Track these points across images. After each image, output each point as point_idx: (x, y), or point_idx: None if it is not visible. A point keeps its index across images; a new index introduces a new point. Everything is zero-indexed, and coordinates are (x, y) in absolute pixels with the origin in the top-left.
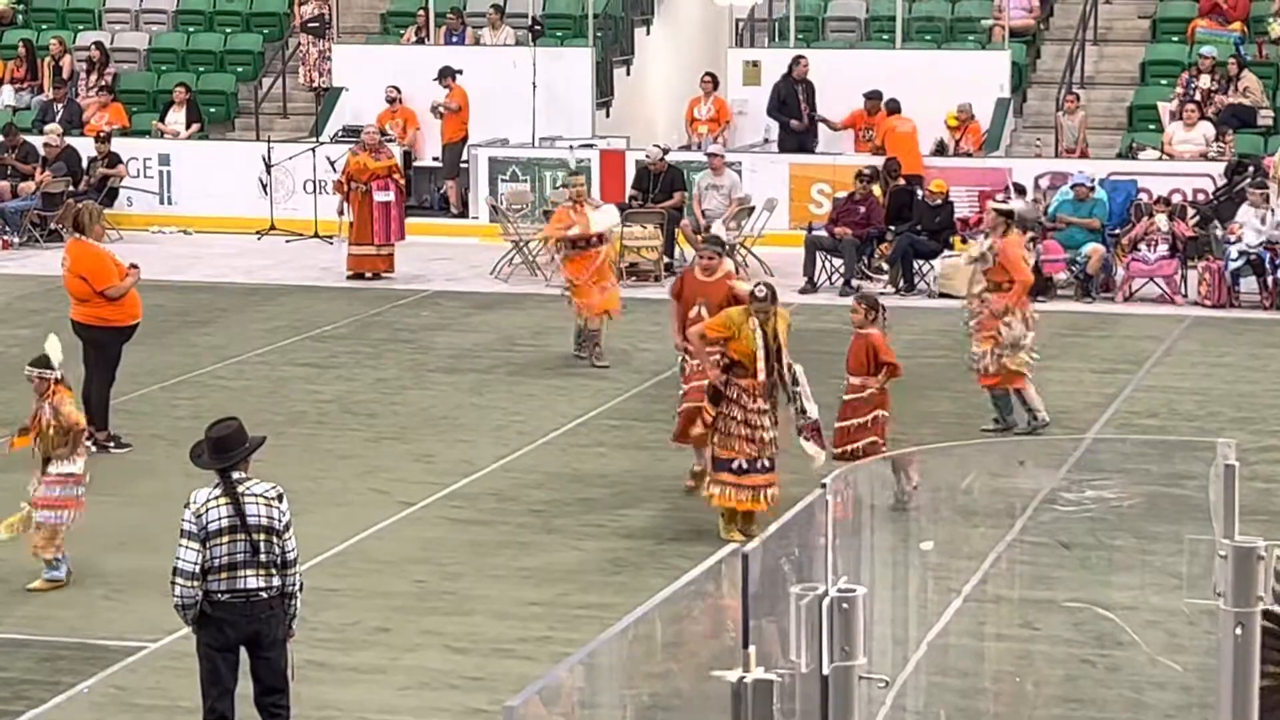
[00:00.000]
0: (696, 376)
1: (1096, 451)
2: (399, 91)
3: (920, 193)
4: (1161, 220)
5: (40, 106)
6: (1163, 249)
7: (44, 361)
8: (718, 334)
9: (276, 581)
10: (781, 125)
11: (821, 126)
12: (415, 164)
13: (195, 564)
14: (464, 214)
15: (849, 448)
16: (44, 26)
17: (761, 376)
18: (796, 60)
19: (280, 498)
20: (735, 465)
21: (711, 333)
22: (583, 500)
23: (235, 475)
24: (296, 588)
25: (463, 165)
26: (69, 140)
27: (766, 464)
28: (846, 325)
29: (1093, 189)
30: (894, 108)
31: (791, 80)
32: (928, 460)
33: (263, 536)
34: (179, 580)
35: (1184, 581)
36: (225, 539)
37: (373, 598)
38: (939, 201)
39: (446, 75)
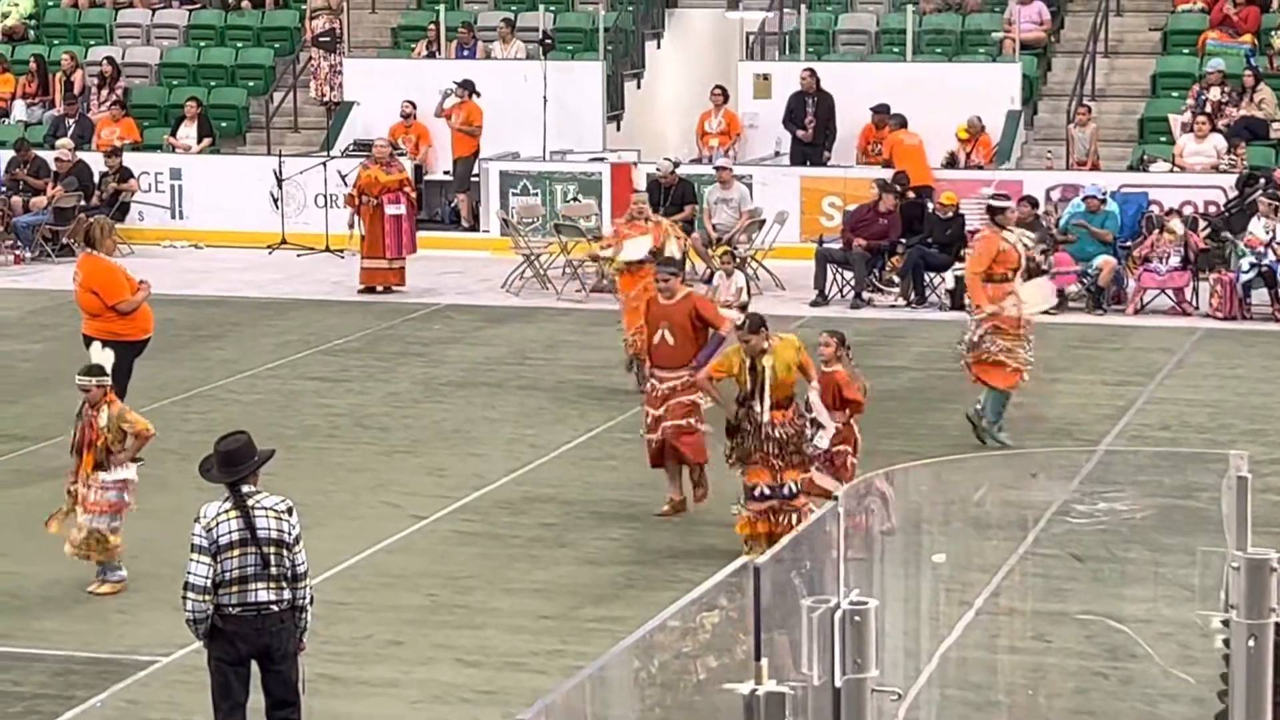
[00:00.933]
0: (658, 402)
1: (1108, 464)
2: (414, 107)
3: (931, 205)
4: (1177, 224)
5: (52, 121)
6: (1174, 260)
7: (99, 370)
8: (720, 374)
9: (287, 595)
10: (792, 136)
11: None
12: (426, 178)
13: (206, 578)
14: (475, 228)
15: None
16: (56, 42)
17: (763, 415)
18: (807, 71)
19: (290, 511)
20: (757, 491)
21: (715, 373)
22: (594, 514)
23: (245, 489)
24: (307, 601)
25: (474, 179)
26: (81, 155)
27: (792, 490)
28: (860, 337)
29: (1104, 201)
30: (900, 122)
31: (801, 92)
32: (940, 473)
33: (273, 550)
34: (190, 594)
35: (1196, 594)
36: (236, 552)
37: (384, 611)
38: (950, 214)
39: (465, 88)
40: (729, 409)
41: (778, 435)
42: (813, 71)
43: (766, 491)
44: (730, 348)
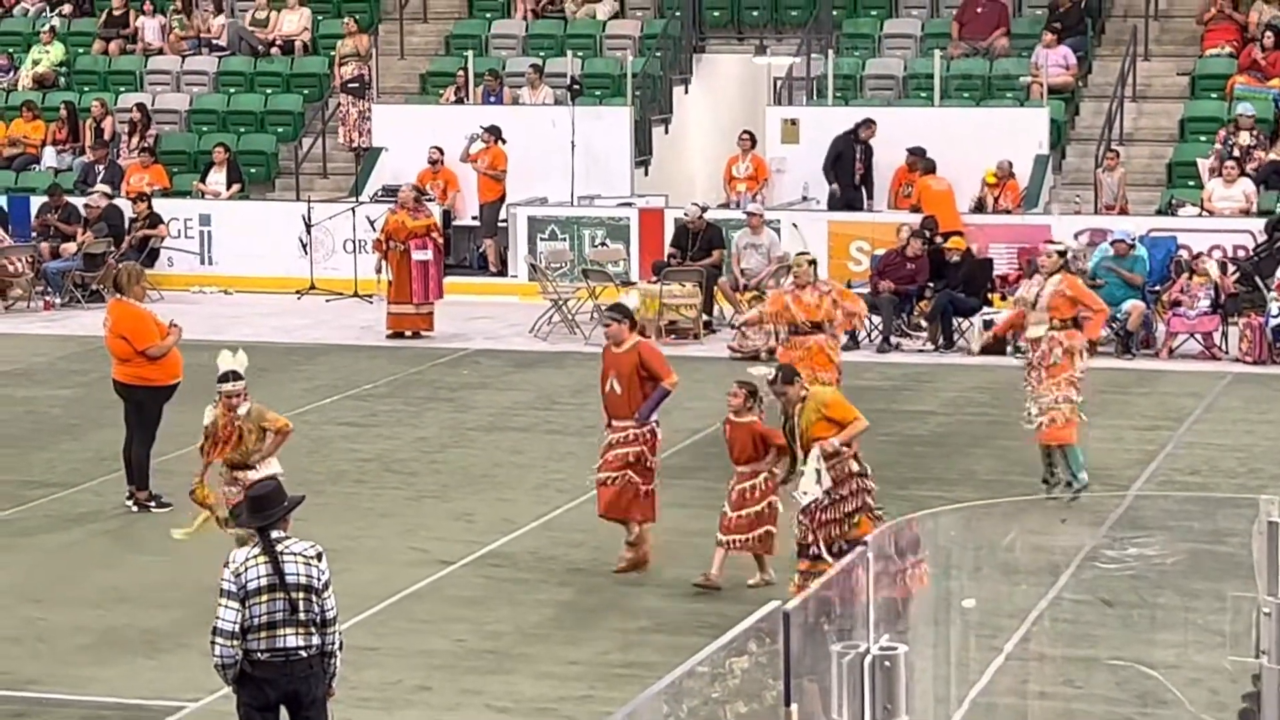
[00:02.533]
0: (616, 448)
1: (1138, 509)
2: (441, 153)
3: (960, 248)
4: (1212, 266)
5: (82, 168)
6: (1204, 304)
7: (235, 375)
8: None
9: (316, 640)
10: (832, 185)
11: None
12: (454, 223)
13: (235, 623)
14: (502, 273)
15: (742, 538)
16: (86, 88)
17: (800, 465)
18: (867, 122)
19: (319, 556)
20: (796, 551)
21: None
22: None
23: (274, 534)
24: (336, 646)
25: (501, 224)
26: (113, 201)
27: (816, 551)
28: (887, 381)
29: (1133, 246)
30: (929, 167)
31: (853, 139)
32: (970, 518)
33: (301, 595)
34: (219, 640)
35: (1227, 639)
36: (264, 598)
37: (413, 656)
38: (956, 259)
39: (491, 133)
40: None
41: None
42: (873, 122)
43: (796, 550)
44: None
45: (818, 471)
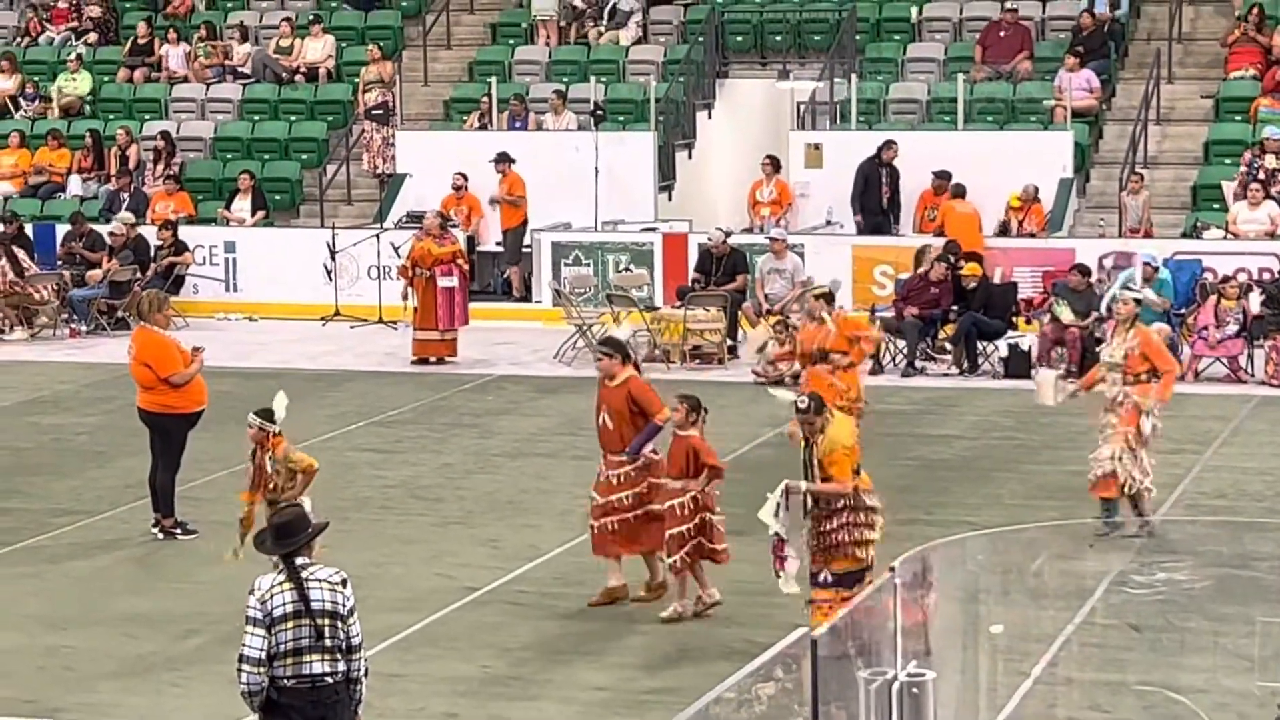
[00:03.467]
0: (604, 490)
1: (1165, 533)
2: (465, 179)
3: (986, 274)
4: (1255, 300)
5: (107, 196)
6: (1231, 328)
7: (268, 414)
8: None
9: (342, 667)
10: (859, 211)
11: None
12: (479, 249)
13: (261, 650)
14: (525, 298)
15: (677, 558)
16: (111, 117)
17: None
18: (887, 144)
19: (344, 583)
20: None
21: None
22: (648, 584)
23: (299, 561)
24: (362, 673)
25: (525, 250)
26: (138, 229)
27: (828, 579)
28: (912, 405)
29: (1157, 269)
30: (958, 192)
31: (877, 163)
32: (996, 543)
33: (327, 622)
34: (245, 667)
35: (1255, 664)
36: (290, 624)
37: (439, 683)
38: (973, 285)
39: (503, 160)
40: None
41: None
42: (893, 143)
43: (814, 574)
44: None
45: (777, 505)
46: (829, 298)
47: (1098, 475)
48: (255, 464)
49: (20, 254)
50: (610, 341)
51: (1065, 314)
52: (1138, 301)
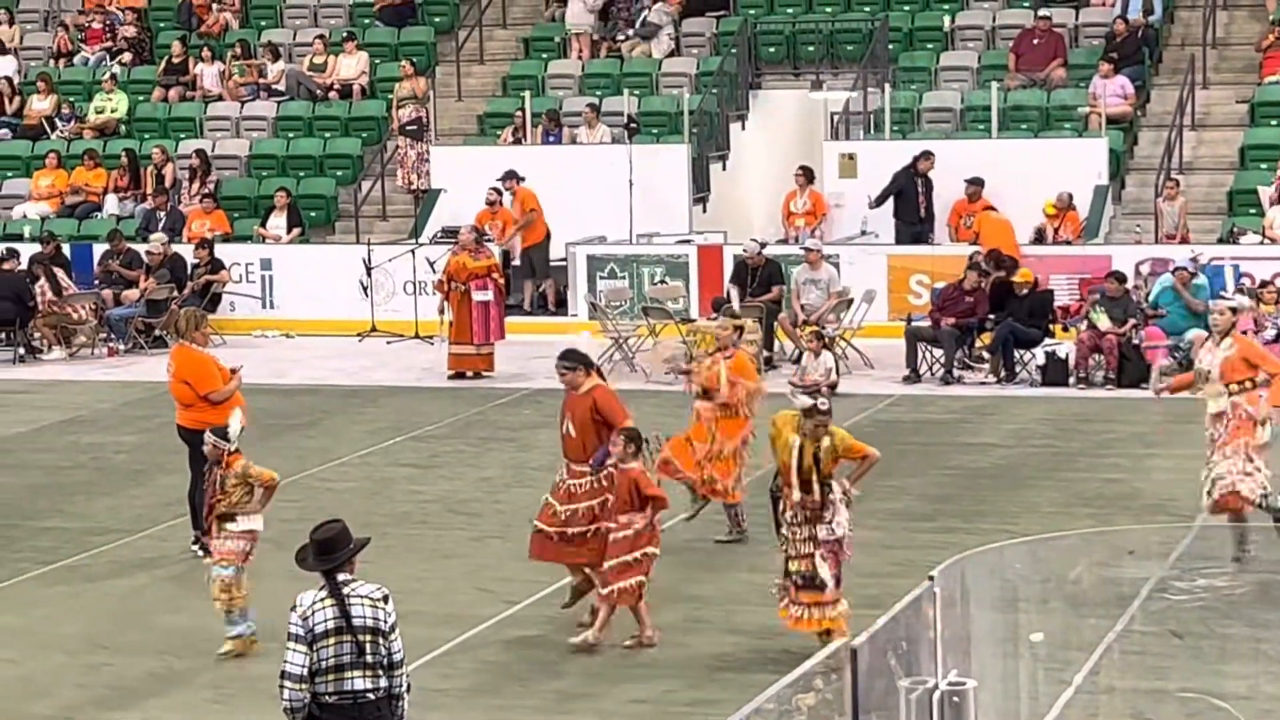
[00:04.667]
0: (564, 497)
1: (1206, 539)
2: (499, 194)
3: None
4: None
5: (143, 215)
6: (1269, 333)
7: (223, 432)
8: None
9: (384, 683)
10: (897, 217)
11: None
12: (514, 263)
13: (303, 667)
14: (561, 310)
15: (615, 588)
16: (146, 136)
17: (795, 495)
18: (925, 154)
19: (386, 599)
20: (788, 570)
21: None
22: (688, 596)
23: (340, 577)
24: (404, 689)
25: (553, 264)
26: (173, 247)
27: (815, 582)
28: (949, 414)
29: (1194, 274)
30: (989, 205)
31: (913, 173)
32: (1036, 551)
33: (368, 638)
34: (287, 683)
35: None
36: (332, 641)
37: (479, 697)
38: (1025, 291)
39: (510, 178)
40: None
41: (790, 518)
42: (930, 154)
43: (791, 571)
44: (787, 413)
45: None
46: (741, 330)
47: (1223, 492)
48: (209, 479)
49: (59, 274)
50: (571, 354)
51: (1103, 321)
52: (1234, 310)
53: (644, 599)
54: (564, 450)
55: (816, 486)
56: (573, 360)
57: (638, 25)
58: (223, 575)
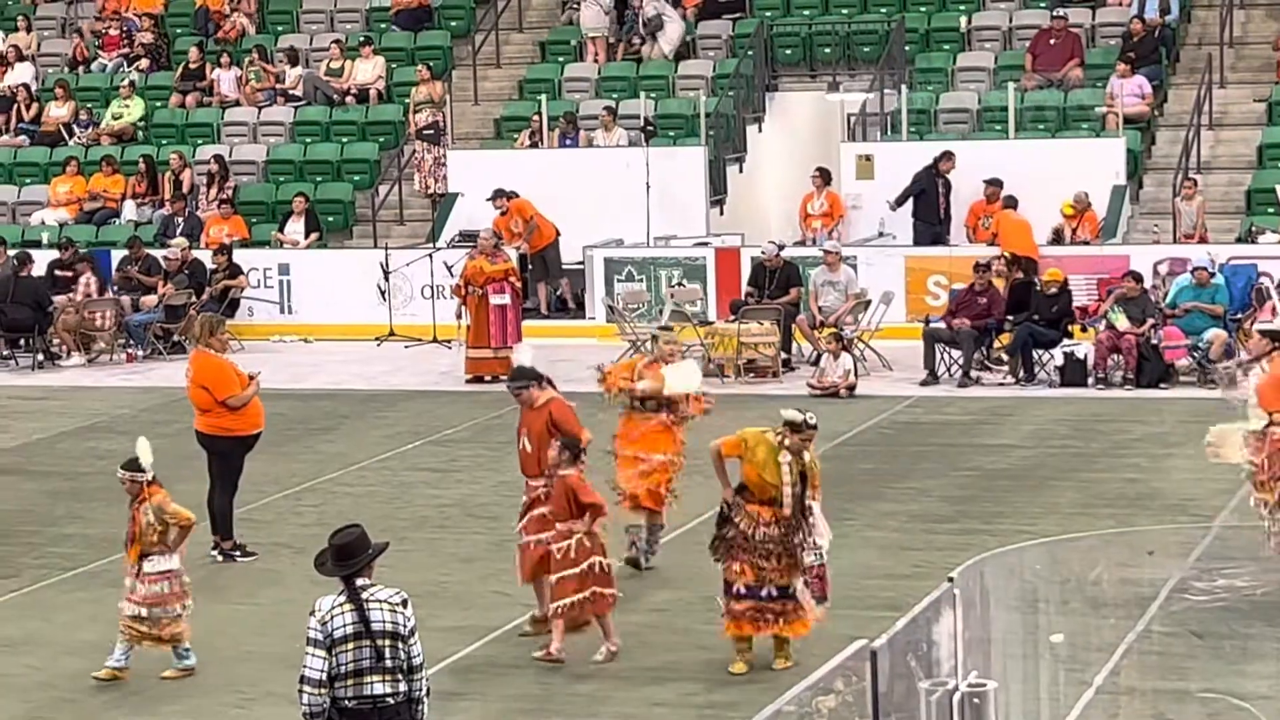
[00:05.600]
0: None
1: (1225, 539)
2: (506, 198)
3: (1037, 283)
4: None
5: (161, 220)
6: None
7: (134, 464)
8: (731, 451)
9: (403, 687)
10: (917, 218)
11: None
12: (530, 267)
13: (322, 672)
14: (564, 310)
15: (564, 603)
16: (164, 142)
17: (786, 509)
18: (946, 155)
19: (405, 603)
20: (736, 590)
21: (727, 449)
22: (706, 599)
23: (359, 581)
24: (423, 693)
25: (576, 266)
26: (193, 253)
27: (773, 591)
28: (968, 415)
29: (1213, 274)
30: (1009, 203)
31: (934, 173)
32: (1055, 552)
33: (387, 642)
34: (306, 688)
35: None
36: (351, 645)
37: (499, 701)
38: (1054, 290)
39: (499, 196)
40: (725, 492)
41: (764, 535)
42: (952, 154)
43: (744, 590)
44: (755, 430)
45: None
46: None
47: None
48: (131, 516)
49: (92, 279)
50: (519, 373)
51: (1121, 321)
52: (1273, 335)
53: (612, 610)
54: (521, 467)
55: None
56: (523, 379)
57: (639, 25)
58: (139, 614)
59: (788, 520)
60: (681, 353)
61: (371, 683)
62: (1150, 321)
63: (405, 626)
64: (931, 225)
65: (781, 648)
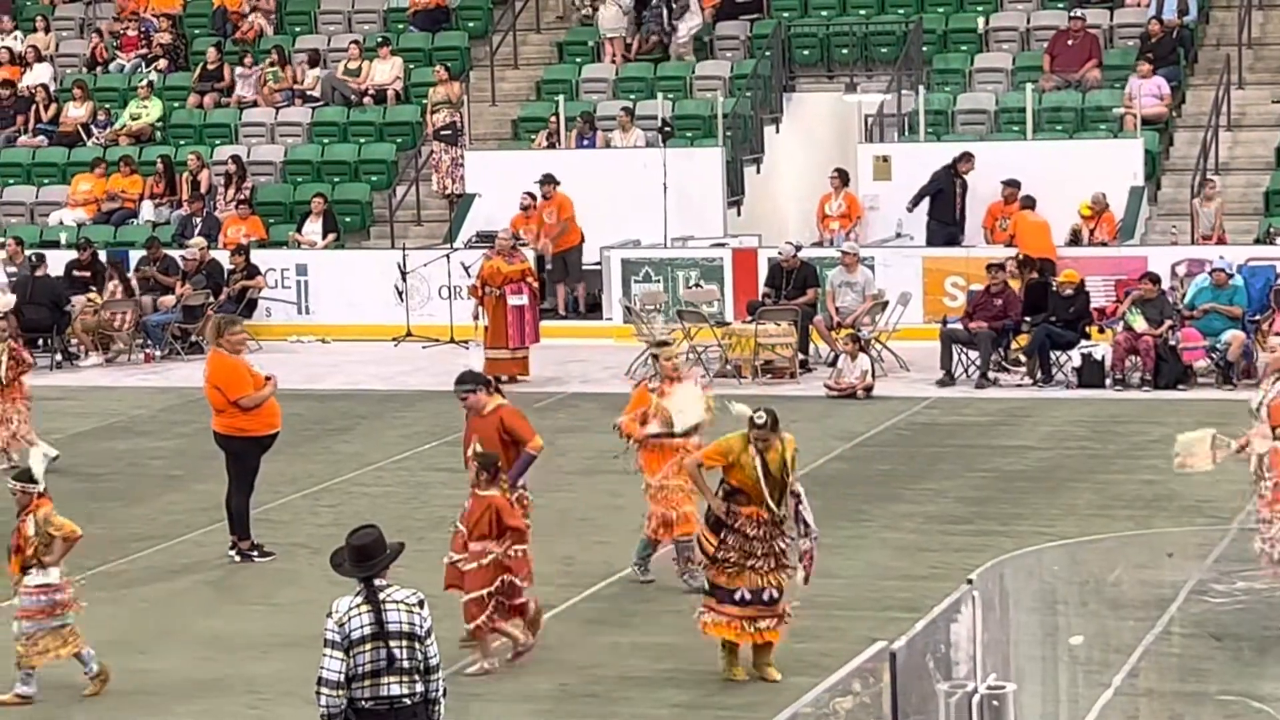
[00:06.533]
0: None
1: (1243, 541)
2: (533, 198)
3: (1053, 284)
4: None
5: (179, 221)
6: None
7: (27, 475)
8: (714, 462)
9: (420, 688)
10: (933, 218)
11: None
12: (547, 267)
13: (339, 673)
14: (578, 312)
15: (474, 623)
16: (182, 142)
17: (768, 508)
18: (965, 156)
19: (421, 604)
20: (738, 596)
21: (708, 461)
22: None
23: (377, 582)
24: (440, 694)
25: (590, 267)
26: (210, 253)
27: (774, 596)
28: (985, 417)
29: (1231, 276)
30: (1027, 203)
31: (953, 174)
32: (1074, 554)
33: (404, 643)
34: (324, 689)
35: None
36: (368, 647)
37: (516, 701)
38: (1070, 292)
39: (548, 182)
40: (714, 503)
41: (757, 534)
42: (970, 155)
43: (748, 596)
44: (732, 436)
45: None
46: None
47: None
48: (16, 528)
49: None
50: (467, 377)
51: (1139, 322)
52: None
53: (541, 622)
54: (470, 475)
55: (777, 498)
56: (471, 383)
57: (664, 12)
58: (27, 631)
59: (771, 517)
60: (681, 366)
61: (388, 683)
62: (1168, 323)
63: (422, 627)
64: (947, 225)
65: (766, 655)
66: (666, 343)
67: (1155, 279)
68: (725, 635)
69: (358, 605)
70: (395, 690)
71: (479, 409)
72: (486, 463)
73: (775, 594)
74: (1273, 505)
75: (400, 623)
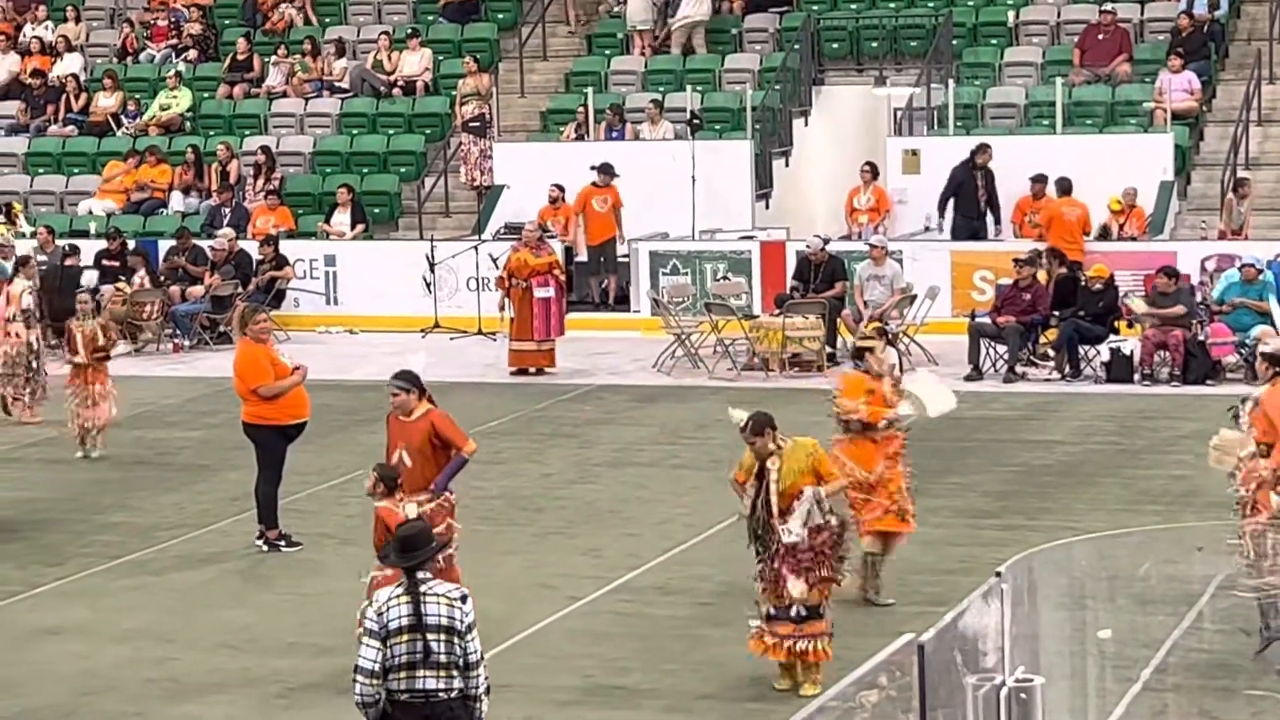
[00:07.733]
0: None
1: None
2: (562, 191)
3: (1082, 279)
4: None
5: (208, 211)
6: None
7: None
8: (741, 479)
9: (458, 683)
10: (943, 211)
11: (998, 214)
12: (578, 259)
13: (376, 662)
14: (606, 303)
15: None
16: (211, 133)
17: (783, 525)
18: (982, 147)
19: (464, 599)
20: (764, 611)
21: (741, 479)
22: (750, 592)
23: (419, 575)
24: (482, 690)
25: (623, 259)
26: (239, 243)
27: (802, 613)
28: (1014, 411)
29: (1261, 271)
30: (1065, 187)
31: (971, 167)
32: (1102, 548)
33: (441, 637)
34: (359, 678)
35: None
36: (405, 638)
37: (542, 693)
38: (1099, 286)
39: (605, 172)
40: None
41: (785, 546)
42: (988, 146)
43: (772, 612)
44: (748, 450)
45: (808, 512)
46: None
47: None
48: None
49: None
50: (404, 375)
51: (1139, 305)
52: (1273, 360)
53: None
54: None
55: (776, 510)
56: (407, 382)
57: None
58: None
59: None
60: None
61: (424, 677)
62: (1196, 319)
63: (463, 622)
64: (970, 219)
65: (809, 671)
66: (871, 342)
67: (1171, 273)
68: (760, 649)
69: (398, 595)
70: (431, 684)
71: (405, 409)
72: (387, 475)
73: (803, 611)
74: (1247, 519)
75: (439, 615)
